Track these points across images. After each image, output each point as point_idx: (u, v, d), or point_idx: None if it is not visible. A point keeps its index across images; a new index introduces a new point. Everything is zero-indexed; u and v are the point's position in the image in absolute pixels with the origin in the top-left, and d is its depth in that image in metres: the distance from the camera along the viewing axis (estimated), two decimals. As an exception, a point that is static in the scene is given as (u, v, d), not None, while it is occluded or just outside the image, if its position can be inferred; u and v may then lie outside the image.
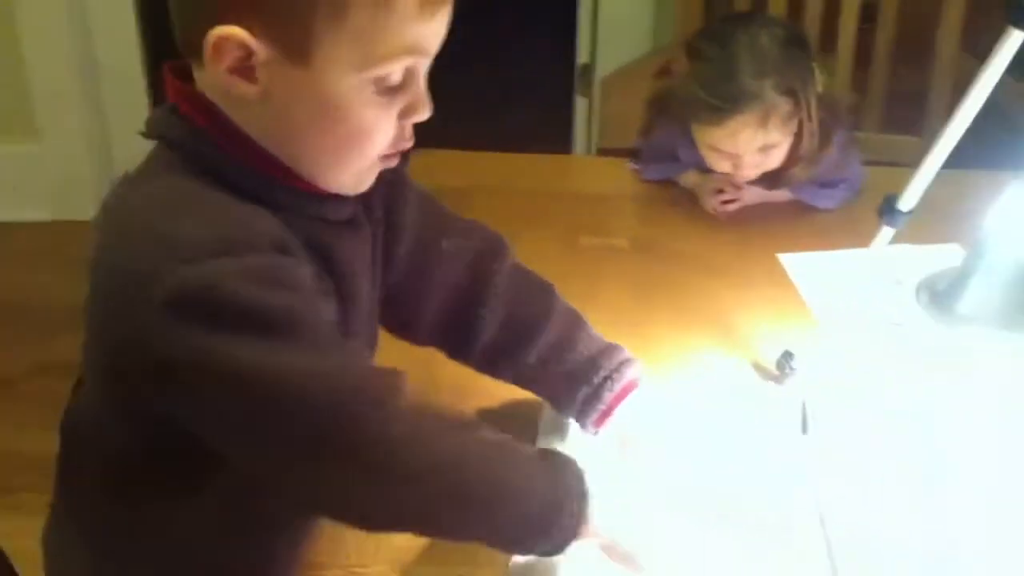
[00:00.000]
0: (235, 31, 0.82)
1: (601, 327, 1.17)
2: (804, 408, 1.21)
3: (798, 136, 1.62)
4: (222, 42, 0.82)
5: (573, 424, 1.16)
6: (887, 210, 1.09)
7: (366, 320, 1.03)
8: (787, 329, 1.39)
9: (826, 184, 1.72)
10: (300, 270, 0.87)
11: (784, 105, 1.57)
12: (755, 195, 1.72)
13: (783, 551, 1.04)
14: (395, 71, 0.85)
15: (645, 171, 1.82)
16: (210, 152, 0.88)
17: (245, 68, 0.84)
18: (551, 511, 0.90)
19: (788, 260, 1.58)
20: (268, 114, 0.86)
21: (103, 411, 0.92)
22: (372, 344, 1.07)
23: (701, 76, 1.60)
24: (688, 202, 1.75)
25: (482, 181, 1.77)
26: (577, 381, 1.12)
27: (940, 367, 1.24)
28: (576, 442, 1.14)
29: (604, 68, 2.86)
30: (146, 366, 0.82)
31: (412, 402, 0.86)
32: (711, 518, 1.04)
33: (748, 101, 1.55)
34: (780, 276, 1.55)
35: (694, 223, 1.70)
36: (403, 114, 0.88)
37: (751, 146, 1.60)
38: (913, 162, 2.27)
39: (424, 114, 0.89)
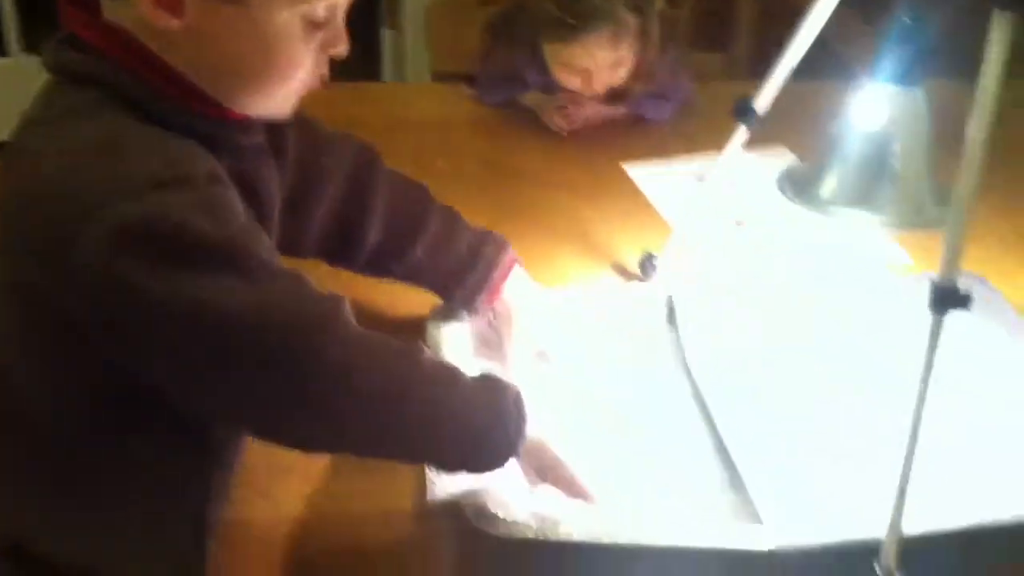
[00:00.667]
0: None
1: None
2: (670, 301, 1.29)
3: (642, 51, 1.70)
4: None
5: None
6: (743, 111, 1.17)
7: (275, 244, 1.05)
8: (642, 233, 1.48)
9: (659, 96, 1.81)
10: (236, 201, 0.88)
11: (633, 22, 1.65)
12: (595, 110, 1.79)
13: (673, 439, 1.12)
14: (321, 7, 0.88)
15: (486, 95, 1.85)
16: (135, 87, 0.87)
17: (172, 1, 0.84)
18: (489, 432, 0.93)
19: (634, 170, 1.67)
20: (193, 47, 0.87)
21: (31, 368, 0.89)
22: None
23: None
24: (530, 122, 1.80)
25: (321, 113, 1.77)
26: (464, 266, 1.18)
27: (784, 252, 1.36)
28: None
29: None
30: (92, 306, 0.82)
31: (355, 328, 0.89)
32: (609, 419, 1.12)
33: (602, 19, 1.62)
34: (627, 185, 1.63)
35: (540, 142, 1.76)
36: (323, 47, 0.91)
37: (604, 62, 1.67)
38: (719, 76, 2.40)
39: (343, 48, 0.92)
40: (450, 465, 0.95)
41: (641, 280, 1.37)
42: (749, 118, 1.18)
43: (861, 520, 0.97)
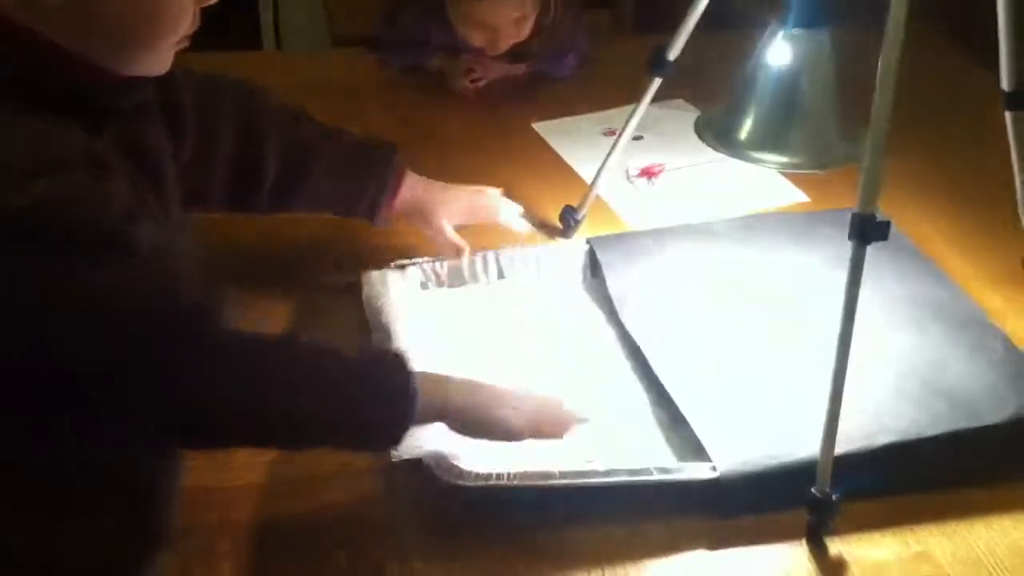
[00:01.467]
0: None
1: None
2: (591, 251, 1.34)
3: (544, 8, 1.75)
4: None
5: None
6: (656, 61, 1.21)
7: (175, 203, 1.05)
8: (557, 189, 1.52)
9: (559, 55, 1.85)
10: (114, 184, 0.89)
11: None
12: (499, 70, 1.82)
13: (607, 386, 1.18)
14: None
15: (391, 59, 1.86)
16: (8, 67, 0.86)
17: None
18: (374, 412, 0.94)
19: (543, 127, 1.71)
20: (75, 16, 0.86)
21: None
22: (184, 227, 1.09)
23: None
24: (437, 86, 1.82)
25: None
26: (361, 182, 1.23)
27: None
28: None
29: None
30: None
31: (228, 330, 0.91)
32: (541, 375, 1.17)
33: None
34: (538, 143, 1.67)
35: (449, 105, 1.78)
36: (199, 1, 0.92)
37: (510, 17, 1.71)
38: (607, 33, 2.44)
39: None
40: (347, 448, 0.97)
41: (562, 234, 1.42)
42: (663, 68, 1.22)
43: (795, 446, 1.04)
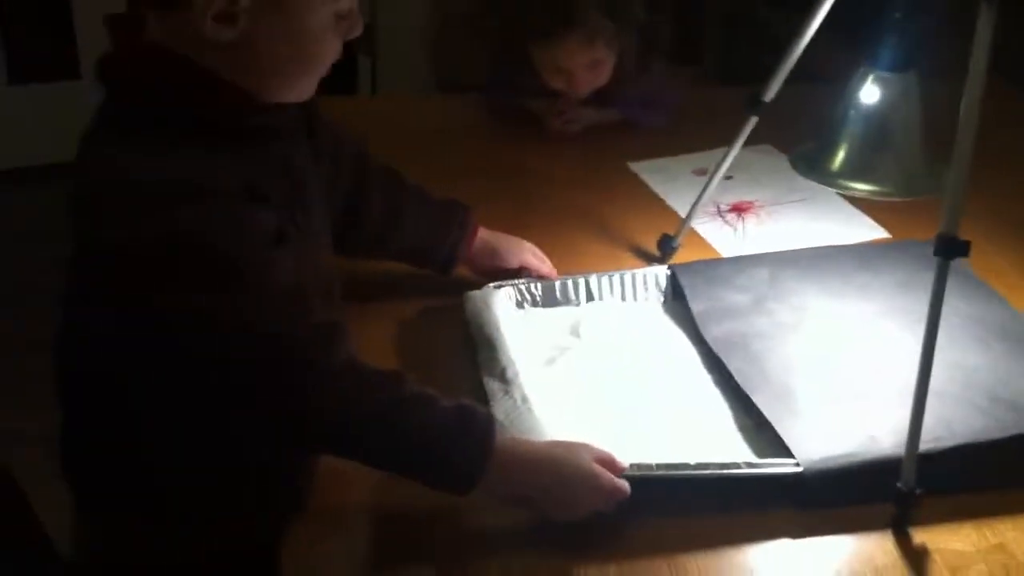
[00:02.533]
0: None
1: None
2: (673, 278, 1.42)
3: (621, 56, 1.87)
4: None
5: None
6: (753, 102, 1.32)
7: (320, 219, 1.18)
8: (653, 221, 1.62)
9: (648, 105, 1.97)
10: (263, 215, 1.01)
11: (608, 26, 1.82)
12: (591, 116, 1.95)
13: (688, 399, 1.25)
14: (346, 1, 1.02)
15: (496, 102, 2.01)
16: (174, 98, 0.99)
17: (228, 15, 0.96)
18: (451, 457, 1.01)
19: (639, 167, 1.82)
20: (239, 52, 0.98)
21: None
22: (325, 242, 1.20)
23: (538, 4, 1.83)
24: (536, 130, 1.94)
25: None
26: (444, 234, 1.36)
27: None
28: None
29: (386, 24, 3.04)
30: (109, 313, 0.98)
31: (344, 359, 1.00)
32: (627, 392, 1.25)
33: (578, 22, 1.78)
34: (634, 181, 1.78)
35: (549, 147, 1.90)
36: (344, 34, 1.04)
37: (582, 62, 1.83)
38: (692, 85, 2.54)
39: (360, 30, 1.05)
40: (427, 484, 1.03)
41: (659, 260, 1.52)
42: (758, 108, 1.33)
43: (873, 444, 1.12)
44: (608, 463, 1.06)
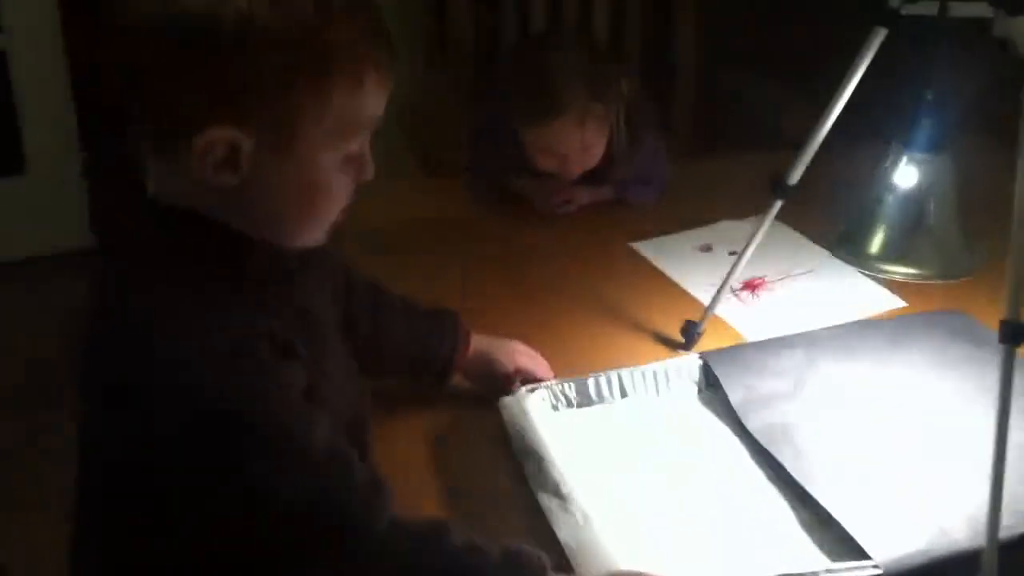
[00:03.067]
0: (227, 132, 0.87)
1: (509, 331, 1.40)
2: (705, 367, 1.39)
3: (611, 134, 1.85)
4: (212, 143, 0.87)
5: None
6: (779, 186, 1.31)
7: (343, 355, 1.12)
8: (667, 304, 1.60)
9: (641, 180, 1.95)
10: (295, 372, 0.95)
11: (597, 107, 1.79)
12: (585, 196, 1.92)
13: (743, 498, 1.22)
14: (356, 143, 0.95)
15: (480, 185, 1.97)
16: (197, 254, 0.94)
17: (230, 161, 0.90)
18: None
19: (640, 246, 1.79)
20: (246, 198, 0.92)
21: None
22: (352, 372, 1.15)
23: (526, 89, 1.80)
24: (526, 209, 1.91)
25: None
26: (436, 343, 1.32)
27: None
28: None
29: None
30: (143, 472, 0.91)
31: (390, 519, 0.96)
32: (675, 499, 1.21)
33: (568, 104, 1.76)
34: (637, 261, 1.75)
35: (542, 228, 1.87)
36: (354, 176, 0.98)
37: (573, 145, 1.81)
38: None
39: (371, 172, 0.99)
40: None
41: (683, 347, 1.49)
42: (785, 192, 1.31)
43: (948, 536, 1.09)
44: None
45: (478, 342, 1.36)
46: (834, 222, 1.63)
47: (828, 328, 1.48)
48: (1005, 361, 1.02)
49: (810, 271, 1.69)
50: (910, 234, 1.19)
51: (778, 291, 1.64)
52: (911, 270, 1.20)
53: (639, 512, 1.18)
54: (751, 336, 1.52)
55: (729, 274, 1.45)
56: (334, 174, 0.94)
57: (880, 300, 1.61)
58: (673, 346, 1.50)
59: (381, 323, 1.29)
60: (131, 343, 0.90)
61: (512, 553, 1.00)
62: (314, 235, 0.99)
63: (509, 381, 1.35)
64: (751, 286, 1.66)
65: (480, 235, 1.85)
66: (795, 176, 1.30)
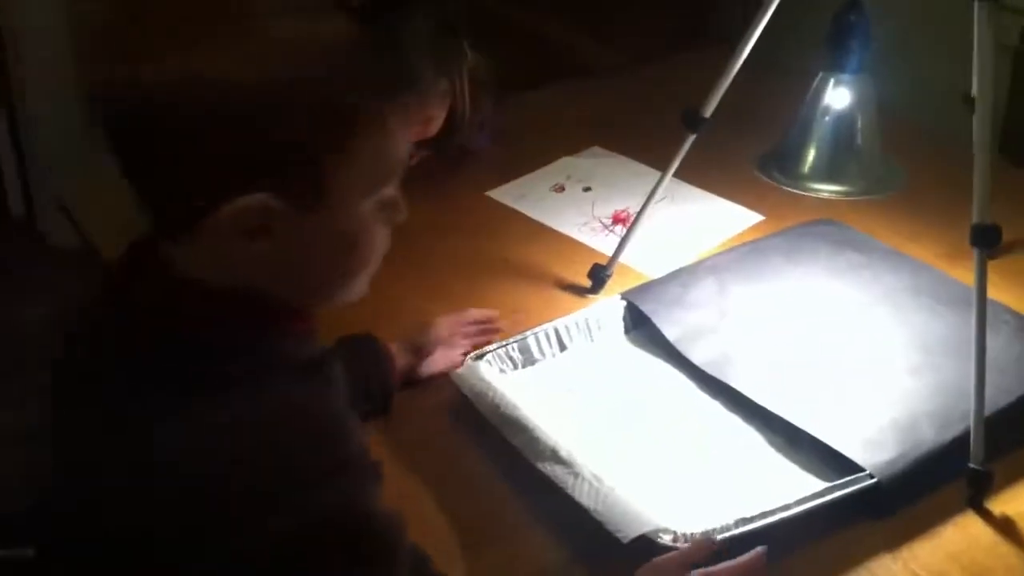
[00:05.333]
0: (255, 199, 0.77)
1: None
2: (630, 307, 1.40)
3: (452, 107, 1.79)
4: (242, 212, 0.77)
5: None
6: (690, 118, 1.30)
7: None
8: (545, 246, 1.59)
9: (476, 130, 1.90)
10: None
11: (441, 82, 1.73)
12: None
13: (708, 431, 1.24)
14: (391, 188, 0.87)
15: None
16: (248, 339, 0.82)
17: (260, 228, 0.79)
18: None
19: (498, 194, 1.75)
20: (277, 263, 0.82)
21: None
22: None
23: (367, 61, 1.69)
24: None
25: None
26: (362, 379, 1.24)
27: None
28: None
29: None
30: None
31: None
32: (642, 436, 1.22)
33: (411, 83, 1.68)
34: (500, 210, 1.71)
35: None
36: (389, 220, 0.89)
37: (416, 121, 1.73)
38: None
39: (404, 215, 0.90)
40: None
41: (591, 291, 1.47)
42: (697, 125, 1.32)
43: (926, 432, 1.16)
44: (702, 550, 1.03)
45: (402, 350, 1.30)
46: (752, 146, 1.65)
47: (724, 254, 1.52)
48: (979, 263, 1.08)
49: (666, 198, 1.72)
50: (840, 154, 1.24)
51: (645, 222, 1.66)
52: (841, 188, 1.25)
53: (636, 463, 1.18)
54: (645, 270, 1.53)
55: (639, 213, 1.45)
56: (372, 223, 0.86)
57: (741, 217, 1.67)
58: (580, 292, 1.49)
59: None
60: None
61: None
62: (355, 291, 0.90)
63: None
64: (618, 220, 1.67)
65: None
66: (709, 108, 1.31)
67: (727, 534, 1.04)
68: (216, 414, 0.78)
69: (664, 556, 1.03)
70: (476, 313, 1.38)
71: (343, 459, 0.81)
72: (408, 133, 0.85)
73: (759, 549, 1.04)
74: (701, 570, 1.01)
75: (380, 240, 0.88)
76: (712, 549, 1.03)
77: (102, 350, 0.83)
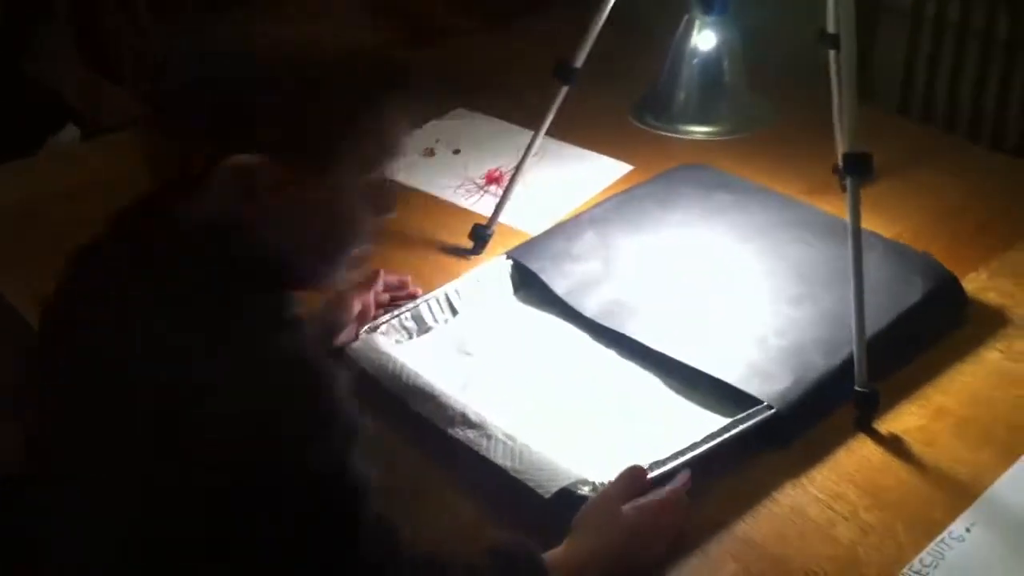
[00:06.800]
0: (254, 158, 0.82)
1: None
2: (516, 266, 1.40)
3: None
4: (240, 169, 0.82)
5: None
6: (563, 71, 1.30)
7: None
8: (432, 213, 1.57)
9: None
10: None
11: None
12: None
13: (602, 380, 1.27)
14: (383, 173, 0.91)
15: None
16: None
17: (255, 189, 0.83)
18: None
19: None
20: (270, 228, 0.86)
21: None
22: None
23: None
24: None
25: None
26: None
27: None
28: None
29: None
30: None
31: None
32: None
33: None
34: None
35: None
36: (376, 210, 0.92)
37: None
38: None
39: (393, 211, 0.94)
40: None
41: (473, 251, 1.47)
42: (569, 76, 1.32)
43: (814, 360, 1.21)
44: (633, 480, 1.05)
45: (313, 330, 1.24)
46: (626, 97, 1.63)
47: (600, 205, 1.53)
48: (853, 192, 1.12)
49: (537, 155, 1.71)
50: (709, 95, 1.27)
51: (521, 180, 1.66)
52: (710, 128, 1.29)
53: (544, 419, 1.18)
54: (525, 228, 1.53)
55: (516, 169, 1.44)
56: (360, 205, 0.90)
57: (612, 168, 1.69)
58: (463, 254, 1.48)
59: None
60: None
61: (497, 554, 0.96)
62: (335, 271, 0.94)
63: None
64: (492, 179, 1.67)
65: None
66: (580, 59, 1.31)
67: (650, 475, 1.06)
68: (220, 362, 0.80)
69: (597, 495, 1.04)
70: (388, 278, 1.35)
71: (333, 409, 0.83)
72: (405, 122, 0.89)
73: (683, 474, 1.07)
74: (630, 504, 1.02)
75: (365, 225, 0.91)
76: (641, 478, 1.05)
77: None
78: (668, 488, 1.05)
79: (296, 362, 0.82)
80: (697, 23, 1.26)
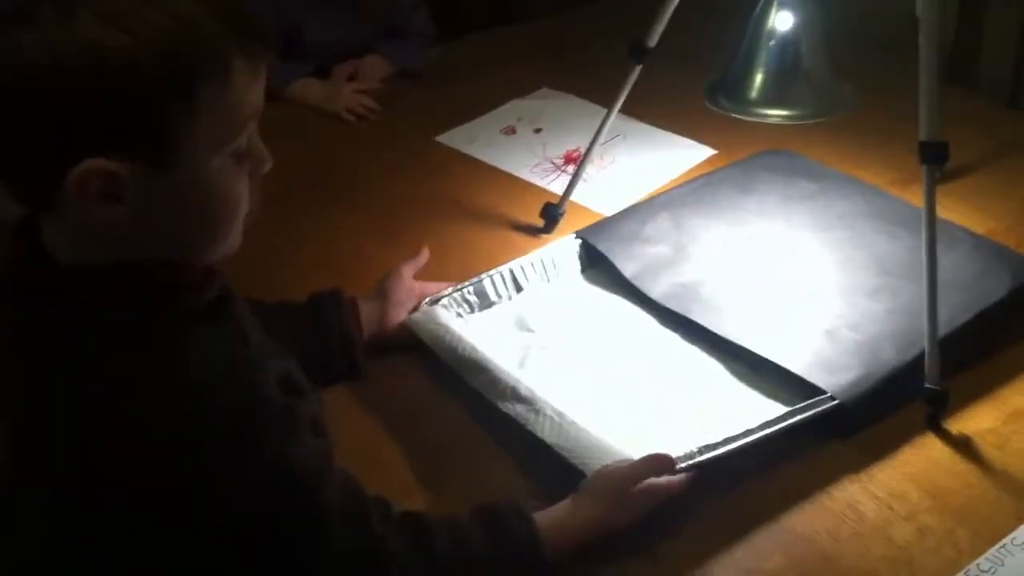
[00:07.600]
0: (95, 163, 0.78)
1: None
2: (585, 246, 1.38)
3: None
4: (85, 178, 0.78)
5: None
6: (636, 50, 1.28)
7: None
8: (499, 192, 1.56)
9: (398, 34, 1.92)
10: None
11: None
12: (369, 68, 1.88)
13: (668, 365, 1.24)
14: (243, 138, 0.85)
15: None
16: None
17: (110, 193, 0.80)
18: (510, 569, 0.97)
19: (447, 139, 1.73)
20: (143, 227, 0.83)
21: None
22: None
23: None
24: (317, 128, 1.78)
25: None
26: (327, 340, 1.23)
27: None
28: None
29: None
30: None
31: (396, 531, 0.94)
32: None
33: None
34: (448, 154, 1.69)
35: (340, 140, 1.75)
36: (252, 172, 0.89)
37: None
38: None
39: (269, 164, 0.90)
40: None
41: (544, 230, 1.46)
42: (642, 56, 1.30)
43: (884, 355, 1.16)
44: (655, 465, 1.03)
45: (368, 302, 1.26)
46: (701, 77, 1.59)
47: (677, 188, 1.50)
48: (928, 180, 1.08)
49: (618, 135, 1.70)
50: (787, 78, 1.24)
51: (598, 160, 1.65)
52: (788, 112, 1.25)
53: (599, 398, 1.17)
54: (599, 208, 1.52)
55: (589, 149, 1.43)
56: (231, 177, 0.86)
57: (693, 151, 1.66)
58: (533, 232, 1.47)
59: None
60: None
61: (491, 525, 0.97)
62: (227, 245, 0.90)
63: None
64: (569, 159, 1.65)
65: (300, 162, 1.66)
66: (653, 38, 1.29)
67: (691, 461, 1.04)
68: (114, 386, 0.80)
69: (616, 468, 1.02)
70: (428, 287, 1.31)
71: (249, 402, 0.83)
72: (256, 82, 0.84)
73: (682, 476, 1.04)
74: (637, 485, 1.01)
75: (241, 191, 0.88)
76: (668, 468, 1.03)
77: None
78: (672, 477, 1.03)
79: (215, 357, 0.83)
80: (775, 3, 1.22)
